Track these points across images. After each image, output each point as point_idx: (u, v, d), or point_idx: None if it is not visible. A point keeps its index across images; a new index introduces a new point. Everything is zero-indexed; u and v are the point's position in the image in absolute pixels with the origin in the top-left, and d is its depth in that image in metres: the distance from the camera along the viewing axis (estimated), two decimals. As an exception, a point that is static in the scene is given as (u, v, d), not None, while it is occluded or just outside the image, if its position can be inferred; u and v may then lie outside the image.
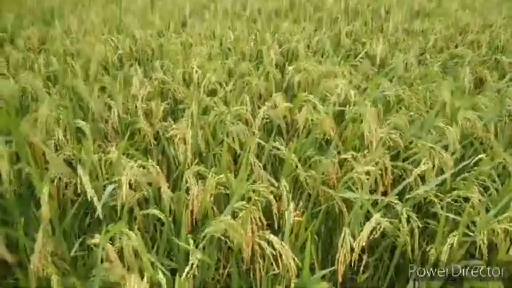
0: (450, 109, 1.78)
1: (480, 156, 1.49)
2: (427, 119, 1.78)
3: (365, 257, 1.26)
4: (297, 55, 2.94)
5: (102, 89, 2.10)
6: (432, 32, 3.62)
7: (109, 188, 1.23)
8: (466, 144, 1.79)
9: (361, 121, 1.68)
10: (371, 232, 1.20)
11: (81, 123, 1.48)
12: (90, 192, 1.11)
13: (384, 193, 1.49)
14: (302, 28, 3.69)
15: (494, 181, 1.54)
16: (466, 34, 3.63)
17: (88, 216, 1.46)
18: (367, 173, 1.43)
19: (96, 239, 1.05)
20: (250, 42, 3.09)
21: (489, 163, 1.45)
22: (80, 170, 1.15)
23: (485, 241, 1.22)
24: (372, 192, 1.52)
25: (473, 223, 1.32)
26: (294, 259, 1.06)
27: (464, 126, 1.75)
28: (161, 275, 0.95)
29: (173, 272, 1.14)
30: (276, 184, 1.44)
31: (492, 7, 4.61)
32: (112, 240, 1.05)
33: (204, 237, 1.12)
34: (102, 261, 0.99)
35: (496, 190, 1.49)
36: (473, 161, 1.52)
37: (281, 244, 1.06)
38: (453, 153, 1.64)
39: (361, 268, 1.26)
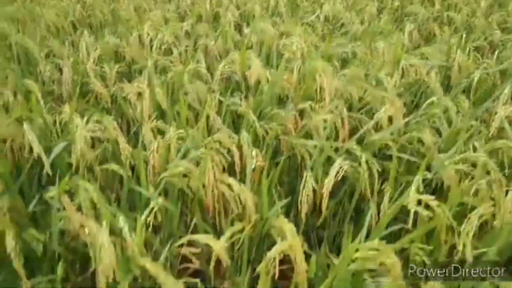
0: (395, 58, 1.82)
1: (430, 99, 1.55)
2: (375, 69, 1.81)
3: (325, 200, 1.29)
4: (254, 16, 2.91)
5: (53, 54, 2.02)
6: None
7: (60, 145, 1.20)
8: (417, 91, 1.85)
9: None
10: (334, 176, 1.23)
11: (30, 83, 1.42)
12: (37, 149, 1.08)
13: (343, 142, 1.53)
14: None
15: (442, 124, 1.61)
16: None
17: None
18: (325, 121, 1.46)
19: (52, 191, 1.03)
20: (207, 4, 3.02)
21: (438, 106, 1.51)
22: (26, 128, 1.12)
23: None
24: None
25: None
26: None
27: (410, 73, 1.80)
28: (121, 222, 0.94)
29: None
30: (236, 137, 1.44)
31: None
32: (72, 197, 1.03)
33: (161, 180, 1.12)
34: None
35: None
36: (425, 106, 1.59)
37: (240, 186, 1.07)
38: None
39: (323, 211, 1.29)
